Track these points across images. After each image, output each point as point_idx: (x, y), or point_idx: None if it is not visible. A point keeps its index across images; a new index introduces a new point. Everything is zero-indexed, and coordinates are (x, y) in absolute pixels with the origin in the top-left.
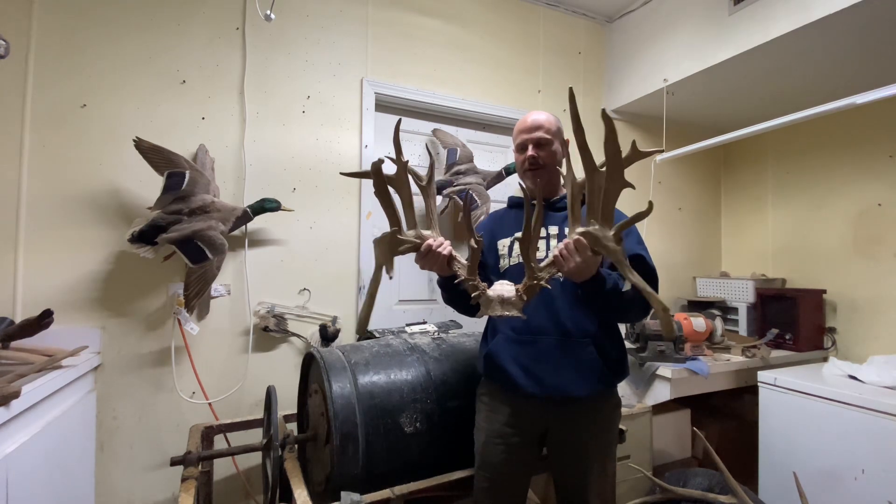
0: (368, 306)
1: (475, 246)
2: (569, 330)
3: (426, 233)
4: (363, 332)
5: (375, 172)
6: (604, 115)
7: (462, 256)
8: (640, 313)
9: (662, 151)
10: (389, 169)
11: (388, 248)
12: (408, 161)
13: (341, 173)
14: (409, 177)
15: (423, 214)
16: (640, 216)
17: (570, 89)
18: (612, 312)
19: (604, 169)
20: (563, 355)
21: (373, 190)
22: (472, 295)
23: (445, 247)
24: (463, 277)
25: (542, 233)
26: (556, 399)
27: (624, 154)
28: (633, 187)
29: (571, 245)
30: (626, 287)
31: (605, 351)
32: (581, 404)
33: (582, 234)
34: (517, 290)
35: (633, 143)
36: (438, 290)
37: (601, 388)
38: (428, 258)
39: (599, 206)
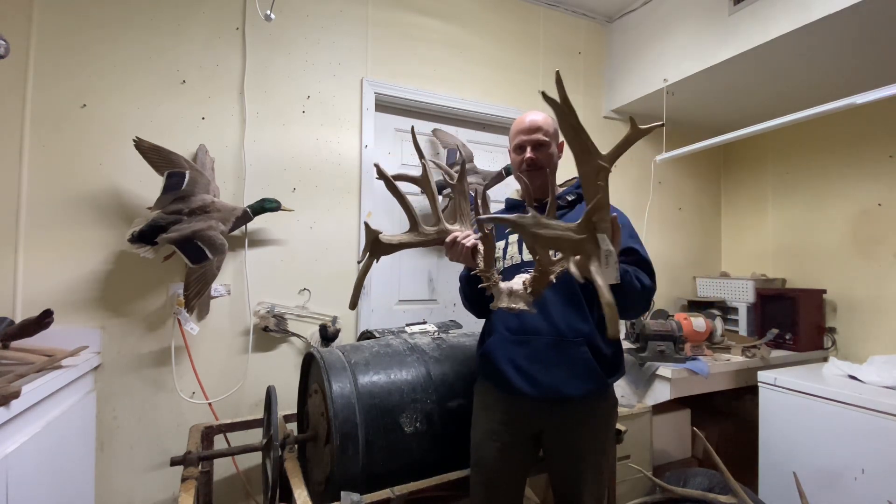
0: (357, 288)
1: (487, 231)
2: (562, 330)
3: (452, 226)
4: (354, 306)
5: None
6: (557, 84)
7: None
8: (643, 308)
9: (663, 125)
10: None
11: (370, 242)
12: (428, 163)
13: (379, 176)
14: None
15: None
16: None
17: (557, 73)
18: (623, 308)
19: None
20: (556, 355)
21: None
22: (487, 285)
23: (470, 239)
24: (480, 269)
25: None
26: (549, 399)
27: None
28: (606, 166)
29: None
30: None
31: (599, 350)
32: (575, 404)
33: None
34: (524, 283)
35: (632, 119)
36: (438, 290)
37: (595, 388)
38: (454, 249)
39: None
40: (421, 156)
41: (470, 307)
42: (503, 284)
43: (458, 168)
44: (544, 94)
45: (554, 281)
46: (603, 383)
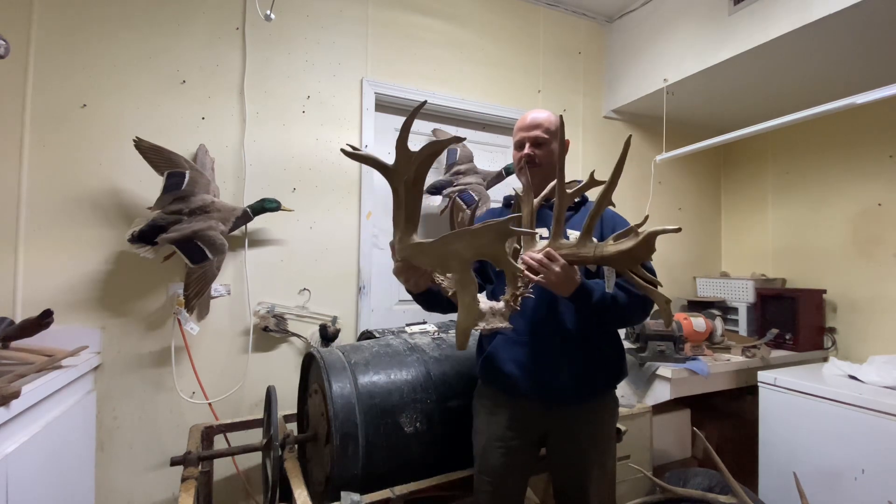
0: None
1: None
2: (569, 332)
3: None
4: (465, 346)
5: (430, 154)
6: (627, 143)
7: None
8: (640, 317)
9: (605, 183)
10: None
11: (496, 239)
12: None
13: (342, 151)
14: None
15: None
16: (633, 228)
17: (629, 137)
18: (609, 322)
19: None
20: (563, 357)
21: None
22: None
23: None
24: (451, 291)
25: (545, 233)
26: (555, 401)
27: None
28: (614, 206)
29: (543, 257)
30: (610, 288)
31: (604, 353)
32: (580, 406)
33: (554, 246)
34: (506, 301)
35: (591, 173)
36: None
37: (600, 390)
38: (412, 270)
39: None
40: (404, 142)
41: (439, 310)
42: (483, 306)
43: (454, 168)
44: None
45: (531, 295)
46: (609, 385)
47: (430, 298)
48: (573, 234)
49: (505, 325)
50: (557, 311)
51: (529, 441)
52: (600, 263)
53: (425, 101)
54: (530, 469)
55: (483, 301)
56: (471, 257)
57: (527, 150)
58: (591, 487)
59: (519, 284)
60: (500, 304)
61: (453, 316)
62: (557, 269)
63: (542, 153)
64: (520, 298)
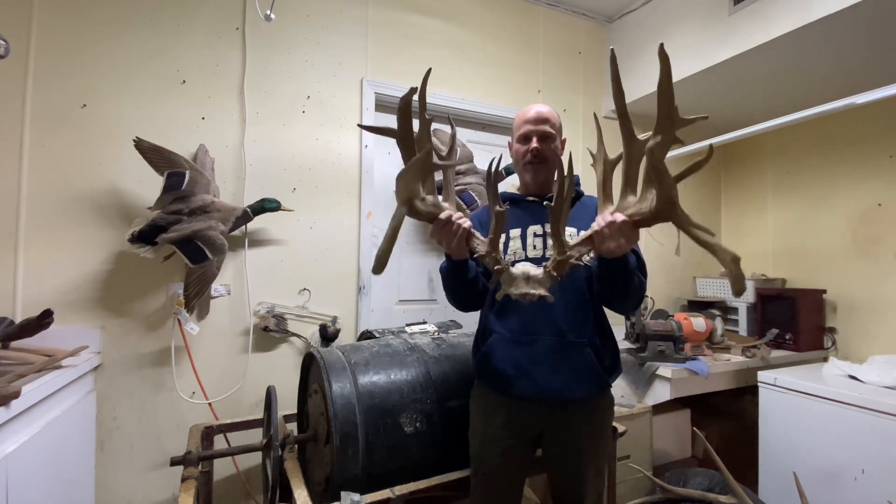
0: (390, 240)
1: (500, 210)
2: (565, 332)
3: (444, 204)
4: (381, 270)
5: (403, 108)
6: (661, 51)
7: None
8: (639, 300)
9: (706, 118)
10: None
11: (414, 177)
12: (432, 119)
13: (359, 125)
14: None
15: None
16: (699, 165)
17: (612, 50)
18: (627, 294)
19: (643, 137)
20: (559, 357)
21: (396, 135)
22: (495, 269)
23: (465, 220)
24: (484, 252)
25: (539, 230)
26: (551, 401)
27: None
28: (682, 143)
29: (616, 225)
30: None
31: (599, 352)
32: (576, 406)
33: (620, 207)
34: (545, 267)
35: (676, 108)
36: (438, 290)
37: (597, 390)
38: (445, 230)
39: (637, 177)
40: (423, 108)
41: (456, 301)
42: (517, 269)
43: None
44: None
45: (582, 263)
46: (605, 384)
47: (465, 279)
48: (569, 231)
49: (539, 292)
50: (553, 312)
51: (525, 441)
52: (655, 220)
53: (430, 69)
54: (526, 469)
55: (519, 265)
56: (406, 196)
57: (535, 143)
58: (587, 487)
59: (569, 252)
60: (538, 271)
61: (454, 315)
62: (623, 240)
63: (548, 149)
64: (566, 267)
